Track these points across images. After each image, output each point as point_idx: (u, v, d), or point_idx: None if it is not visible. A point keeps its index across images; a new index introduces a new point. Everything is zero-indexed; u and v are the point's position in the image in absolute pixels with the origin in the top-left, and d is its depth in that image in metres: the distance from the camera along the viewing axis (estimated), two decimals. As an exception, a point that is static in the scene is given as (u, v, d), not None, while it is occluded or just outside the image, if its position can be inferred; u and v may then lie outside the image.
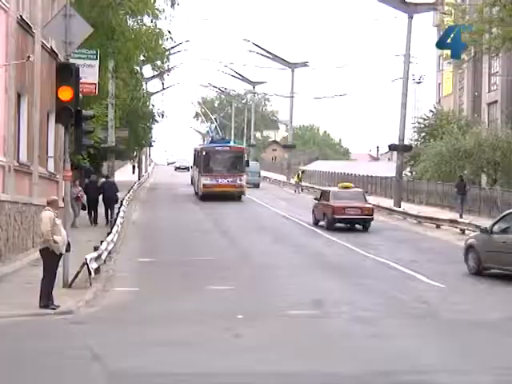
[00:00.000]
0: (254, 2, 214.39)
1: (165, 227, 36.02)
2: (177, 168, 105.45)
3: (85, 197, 34.97)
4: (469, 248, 23.74)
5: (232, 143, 61.59)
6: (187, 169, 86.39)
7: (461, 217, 38.47)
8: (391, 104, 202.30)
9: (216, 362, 12.27)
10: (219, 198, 48.67)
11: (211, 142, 60.35)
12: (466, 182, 43.73)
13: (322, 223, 36.57)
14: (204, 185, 50.94)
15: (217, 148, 53.49)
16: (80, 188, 34.79)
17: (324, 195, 37.48)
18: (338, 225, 35.36)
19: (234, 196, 50.77)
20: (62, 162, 23.90)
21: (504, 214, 24.47)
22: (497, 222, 23.63)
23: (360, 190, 40.47)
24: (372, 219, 36.04)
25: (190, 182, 63.90)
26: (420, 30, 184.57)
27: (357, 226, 35.93)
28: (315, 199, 39.26)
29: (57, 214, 17.37)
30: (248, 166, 55.75)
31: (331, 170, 74.65)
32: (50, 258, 17.10)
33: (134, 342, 13.79)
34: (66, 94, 19.16)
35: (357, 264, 25.17)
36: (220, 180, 50.84)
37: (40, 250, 17.41)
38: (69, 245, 18.04)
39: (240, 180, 51.39)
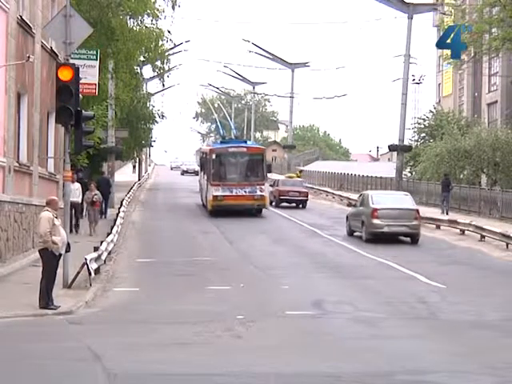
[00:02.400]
0: (254, 2, 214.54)
1: (164, 229, 36.04)
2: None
3: (100, 202, 32.93)
4: (347, 217, 33.83)
5: (250, 143, 49.25)
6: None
7: (446, 213, 40.87)
8: (391, 104, 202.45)
9: (216, 362, 12.26)
10: (233, 214, 39.43)
11: (222, 141, 47.42)
12: (451, 180, 44.75)
13: (274, 204, 46.83)
14: (214, 196, 40.32)
15: (230, 149, 42.21)
16: (96, 192, 32.40)
17: (275, 183, 48.99)
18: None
19: (253, 210, 41.02)
20: (62, 163, 23.92)
21: (361, 192, 36.46)
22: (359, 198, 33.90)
23: (300, 179, 54.20)
24: (307, 200, 48.27)
25: (198, 188, 53.09)
26: (420, 30, 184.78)
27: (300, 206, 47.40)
28: (270, 185, 46.88)
29: (56, 214, 17.36)
30: (270, 171, 45.43)
31: (331, 170, 74.59)
32: (50, 259, 17.10)
33: (134, 342, 13.79)
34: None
35: (356, 264, 25.17)
36: (235, 190, 40.58)
37: (39, 251, 17.42)
38: (68, 245, 18.03)
39: (260, 190, 40.74)
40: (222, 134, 55.28)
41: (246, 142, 47.11)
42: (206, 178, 43.17)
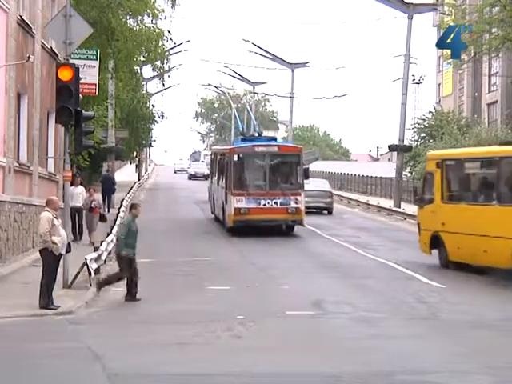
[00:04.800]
0: (254, 2, 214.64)
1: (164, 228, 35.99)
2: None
3: (101, 209, 30.01)
4: None
5: (280, 141, 39.17)
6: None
7: None
8: (391, 104, 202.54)
9: (216, 362, 12.27)
10: (261, 232, 32.13)
11: (243, 139, 37.06)
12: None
13: None
14: (236, 209, 31.98)
15: (257, 149, 32.99)
16: (94, 198, 29.19)
17: None
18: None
19: (286, 225, 33.50)
20: (62, 163, 23.92)
21: None
22: None
23: None
24: None
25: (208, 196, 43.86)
26: (420, 30, 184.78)
27: None
28: None
29: (56, 214, 17.37)
30: (308, 177, 34.45)
31: (331, 170, 74.63)
32: (50, 259, 17.11)
33: (134, 342, 13.80)
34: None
35: (356, 264, 25.14)
36: (263, 201, 32.03)
37: (39, 251, 17.44)
38: (69, 245, 18.02)
39: (296, 202, 32.16)
40: (242, 129, 46.68)
41: (275, 140, 37.39)
42: (223, 185, 34.42)
